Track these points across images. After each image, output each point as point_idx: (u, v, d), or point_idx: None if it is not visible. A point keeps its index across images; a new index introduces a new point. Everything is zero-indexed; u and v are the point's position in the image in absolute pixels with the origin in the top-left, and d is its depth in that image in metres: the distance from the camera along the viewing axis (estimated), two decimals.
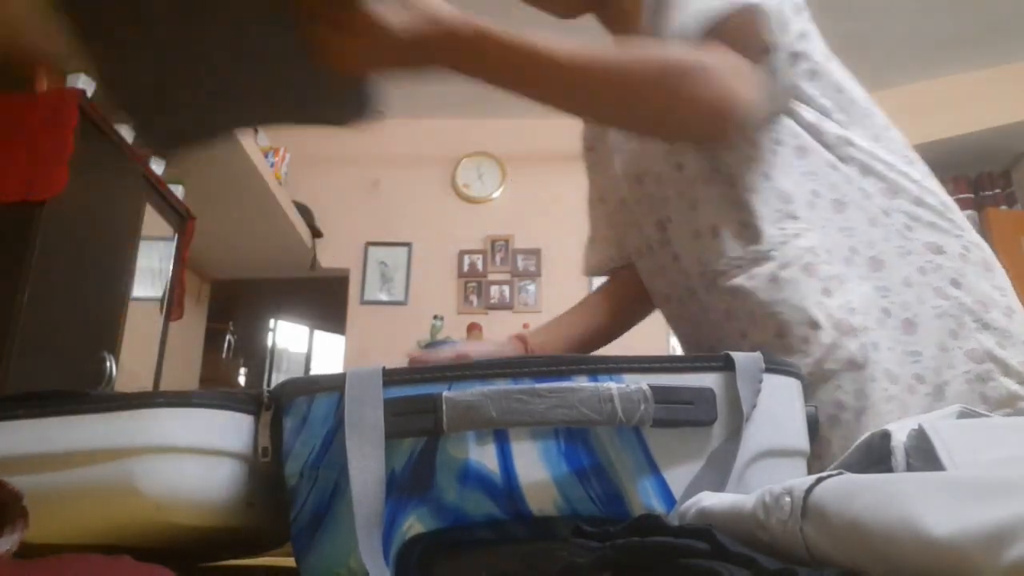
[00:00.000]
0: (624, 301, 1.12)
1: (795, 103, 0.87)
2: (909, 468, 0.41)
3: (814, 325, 0.80)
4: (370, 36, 0.67)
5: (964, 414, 0.49)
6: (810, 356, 0.79)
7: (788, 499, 0.31)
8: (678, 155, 0.90)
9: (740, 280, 0.85)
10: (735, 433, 0.46)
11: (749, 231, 0.86)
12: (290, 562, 0.51)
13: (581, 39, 0.72)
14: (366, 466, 0.44)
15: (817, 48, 0.90)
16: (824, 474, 0.32)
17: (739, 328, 0.86)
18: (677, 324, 1.01)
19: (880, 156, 0.88)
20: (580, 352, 1.08)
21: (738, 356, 0.48)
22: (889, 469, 0.41)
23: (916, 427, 0.42)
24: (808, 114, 0.87)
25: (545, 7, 0.95)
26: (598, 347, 1.10)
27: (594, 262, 1.15)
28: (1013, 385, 0.78)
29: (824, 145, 0.87)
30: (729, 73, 0.75)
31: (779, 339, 0.82)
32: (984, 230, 4.27)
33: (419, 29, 0.67)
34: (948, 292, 0.82)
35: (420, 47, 0.69)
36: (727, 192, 0.88)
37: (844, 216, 0.85)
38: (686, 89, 0.73)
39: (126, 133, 2.66)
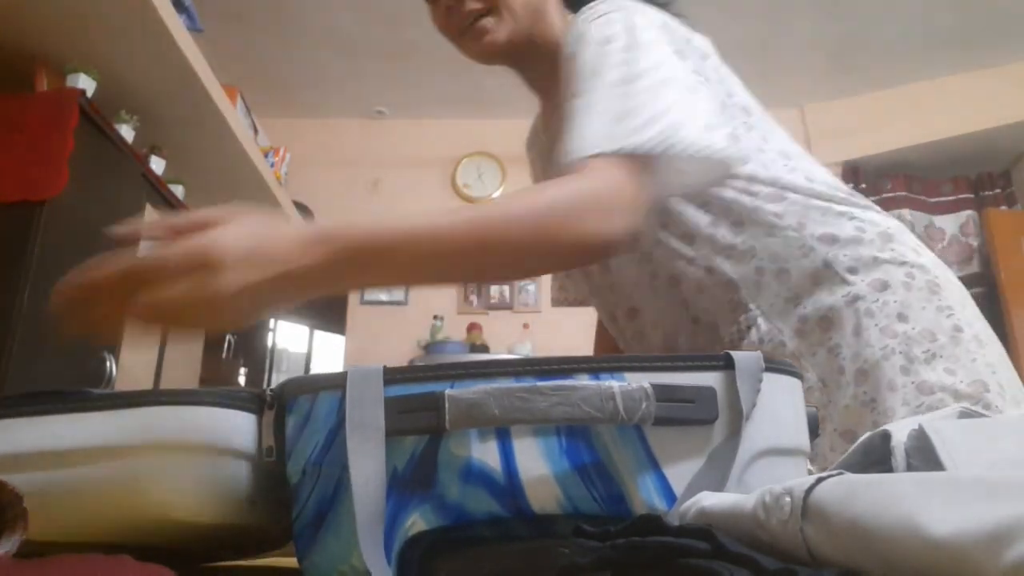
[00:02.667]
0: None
1: (719, 188, 0.87)
2: (909, 468, 0.41)
3: None
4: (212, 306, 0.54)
5: (964, 414, 0.49)
6: None
7: (788, 499, 0.31)
8: (624, 262, 0.94)
9: None
10: (735, 432, 0.46)
11: (708, 329, 0.90)
12: (292, 562, 0.51)
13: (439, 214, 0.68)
14: (367, 464, 0.44)
15: (740, 95, 0.92)
16: (824, 474, 0.32)
17: None
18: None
19: (816, 192, 0.89)
20: None
21: (738, 355, 0.48)
22: (889, 469, 0.42)
23: (916, 427, 0.42)
24: (736, 182, 0.87)
25: (475, 44, 0.94)
26: None
27: (560, 296, 1.18)
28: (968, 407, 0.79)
29: (756, 209, 0.87)
30: (605, 202, 0.71)
31: None
32: (984, 230, 4.28)
33: (277, 274, 0.57)
34: (895, 329, 0.82)
35: (287, 286, 0.59)
36: (676, 293, 0.91)
37: (789, 286, 0.87)
38: (564, 234, 0.70)
39: (126, 133, 2.66)
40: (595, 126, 0.76)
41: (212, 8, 3.26)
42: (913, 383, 0.80)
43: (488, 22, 0.91)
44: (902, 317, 0.83)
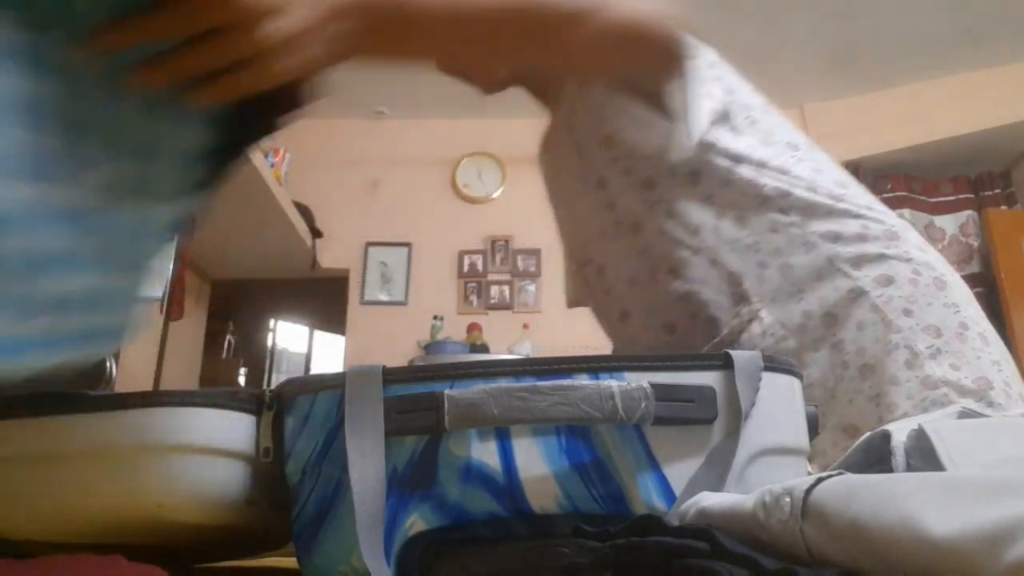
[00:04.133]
0: None
1: (729, 164, 0.88)
2: (909, 468, 0.41)
3: None
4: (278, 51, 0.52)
5: (964, 414, 0.49)
6: None
7: (788, 499, 0.31)
8: (619, 243, 0.93)
9: None
10: (734, 431, 0.46)
11: (707, 323, 0.88)
12: (292, 563, 0.51)
13: None
14: (366, 464, 0.44)
15: (741, 93, 0.92)
16: (824, 474, 0.32)
17: None
18: None
19: (819, 188, 0.89)
20: None
21: (737, 354, 0.48)
22: (889, 469, 0.42)
23: (916, 427, 0.42)
24: (745, 171, 0.88)
25: (469, 81, 0.96)
26: None
27: (573, 295, 1.16)
28: (971, 404, 0.79)
29: (761, 203, 0.88)
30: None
31: None
32: (984, 230, 4.27)
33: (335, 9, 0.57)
34: (899, 324, 0.82)
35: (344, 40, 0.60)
36: (678, 287, 0.90)
37: (792, 280, 0.86)
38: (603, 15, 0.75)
39: None
40: None
41: None
42: (917, 377, 0.80)
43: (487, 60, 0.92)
44: (907, 312, 0.83)
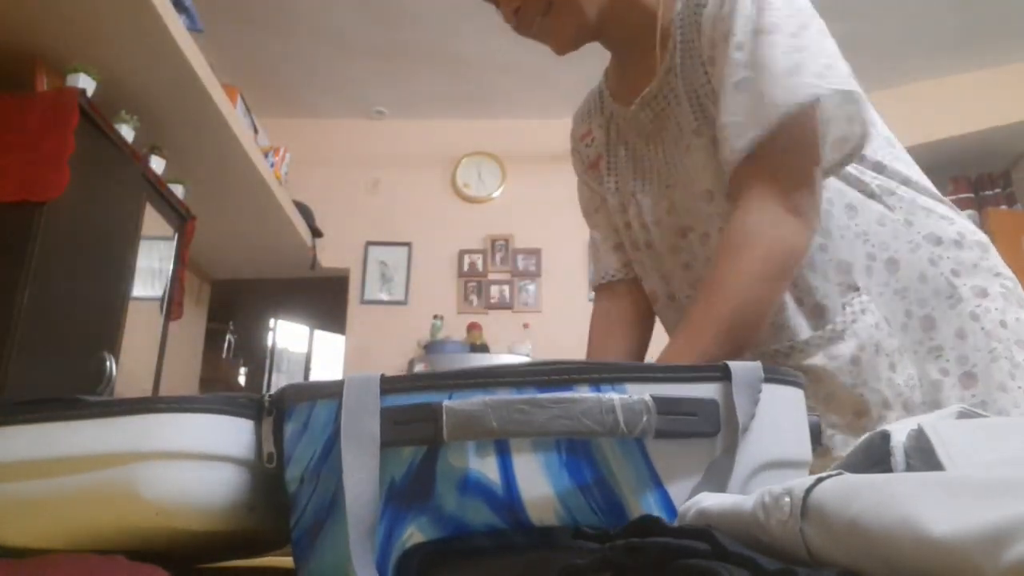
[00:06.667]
0: (647, 316, 1.07)
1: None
2: (909, 468, 0.41)
3: (887, 405, 0.82)
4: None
5: (964, 414, 0.49)
6: None
7: (788, 499, 0.31)
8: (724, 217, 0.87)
9: (819, 360, 0.84)
10: (732, 444, 0.46)
11: (814, 310, 0.86)
12: (290, 563, 0.51)
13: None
14: (361, 476, 0.43)
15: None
16: (823, 474, 0.32)
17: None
18: None
19: (922, 187, 0.89)
20: None
21: (735, 365, 0.47)
22: (889, 469, 0.41)
23: (916, 427, 0.42)
24: (848, 167, 0.87)
25: (547, 41, 0.92)
26: None
27: (601, 272, 1.10)
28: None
29: (869, 196, 0.88)
30: (795, 202, 0.77)
31: (857, 419, 0.83)
32: (984, 230, 4.28)
33: None
34: (999, 334, 0.83)
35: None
36: None
37: (897, 276, 0.86)
38: (784, 263, 0.77)
39: (126, 133, 2.66)
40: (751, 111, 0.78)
41: (212, 8, 3.26)
42: (1021, 388, 0.80)
43: (549, 23, 0.89)
44: (1004, 324, 0.83)
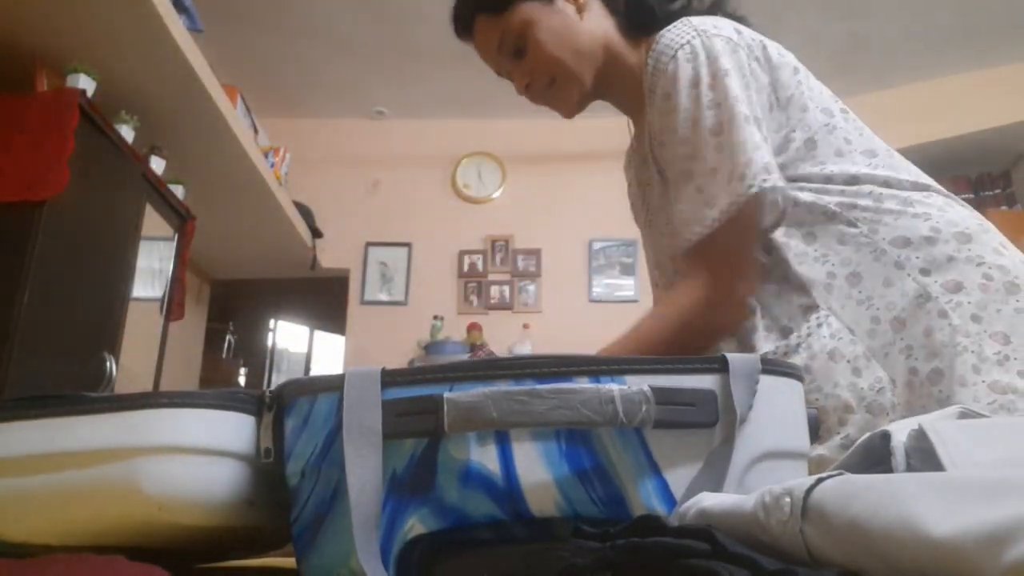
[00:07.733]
0: None
1: (793, 189, 0.91)
2: (909, 468, 0.41)
3: (848, 409, 0.84)
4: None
5: (964, 414, 0.49)
6: (842, 435, 0.83)
7: (788, 499, 0.31)
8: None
9: None
10: (730, 435, 0.46)
11: (781, 332, 0.92)
12: (291, 563, 0.51)
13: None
14: (363, 469, 0.44)
15: (811, 105, 0.95)
16: (824, 474, 0.32)
17: None
18: None
19: (892, 191, 0.91)
20: None
21: (732, 356, 0.48)
22: (889, 470, 0.41)
23: (916, 427, 0.42)
24: (805, 195, 0.91)
25: (555, 108, 1.05)
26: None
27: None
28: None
29: (829, 218, 0.91)
30: (719, 295, 0.90)
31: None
32: None
33: None
34: (968, 329, 0.83)
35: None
36: (751, 303, 0.93)
37: (860, 287, 0.88)
38: (700, 333, 0.92)
39: (126, 133, 2.66)
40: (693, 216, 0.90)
41: (212, 8, 3.26)
42: (984, 382, 0.80)
43: (554, 94, 1.04)
44: (976, 318, 0.83)
